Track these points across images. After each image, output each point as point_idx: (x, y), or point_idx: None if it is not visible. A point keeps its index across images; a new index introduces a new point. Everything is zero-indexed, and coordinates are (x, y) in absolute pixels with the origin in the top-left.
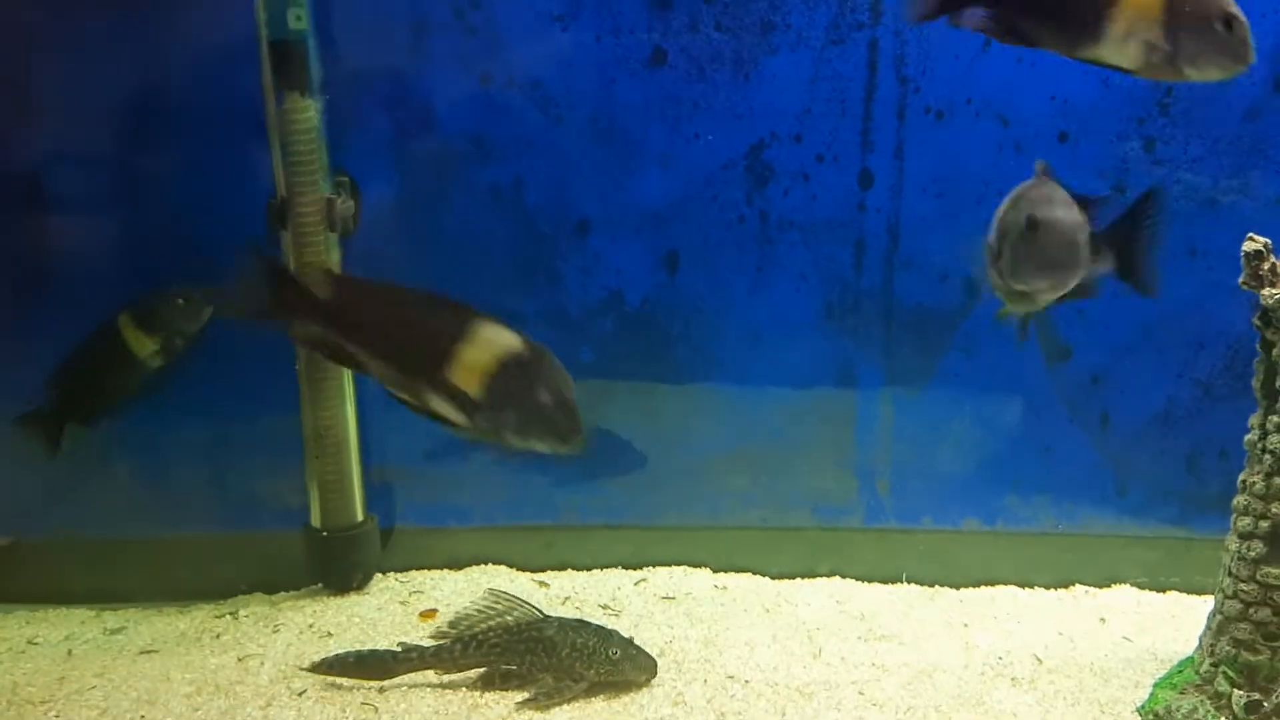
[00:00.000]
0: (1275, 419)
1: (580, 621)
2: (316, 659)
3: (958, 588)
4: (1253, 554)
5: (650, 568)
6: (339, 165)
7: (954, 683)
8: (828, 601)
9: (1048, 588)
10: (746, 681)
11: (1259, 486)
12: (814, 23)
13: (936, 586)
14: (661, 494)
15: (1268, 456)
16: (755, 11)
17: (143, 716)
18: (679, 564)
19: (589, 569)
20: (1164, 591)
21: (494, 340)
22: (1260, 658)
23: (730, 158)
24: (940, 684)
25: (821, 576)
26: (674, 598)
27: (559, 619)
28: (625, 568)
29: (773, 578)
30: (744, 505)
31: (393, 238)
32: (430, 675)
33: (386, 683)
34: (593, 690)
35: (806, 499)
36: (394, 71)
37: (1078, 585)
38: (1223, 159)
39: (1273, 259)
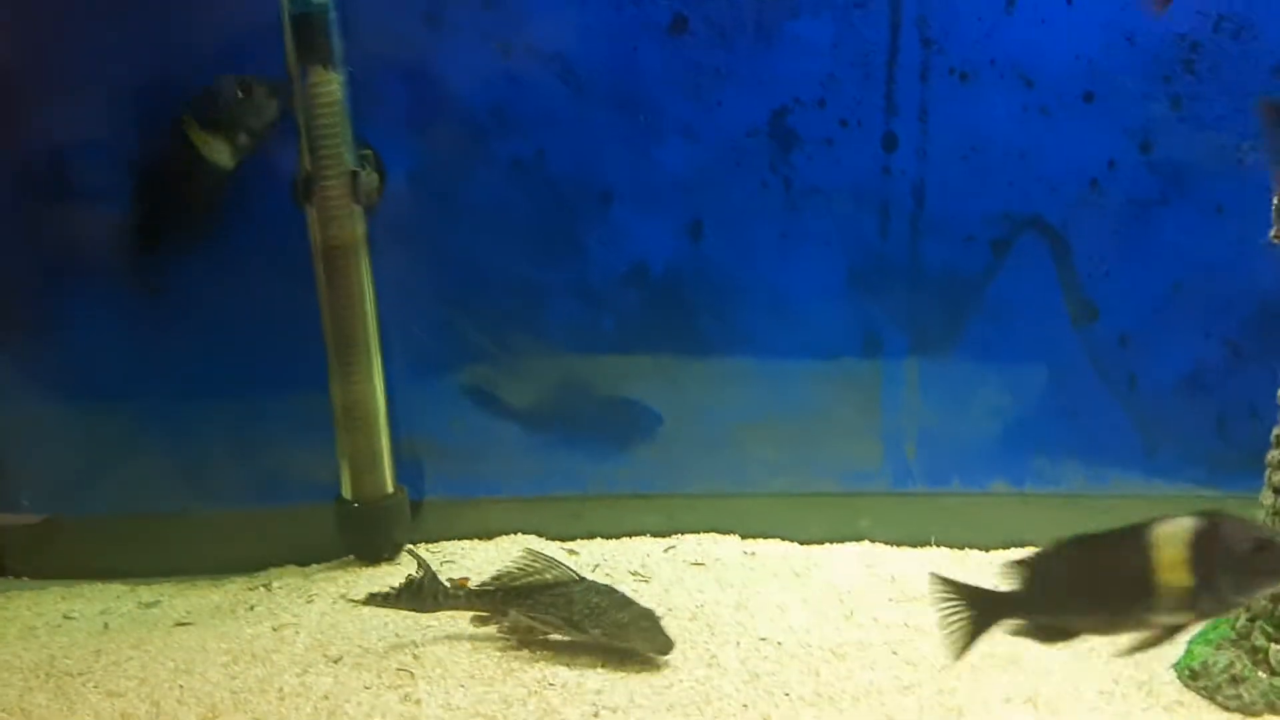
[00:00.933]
0: None
1: (609, 588)
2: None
3: (987, 550)
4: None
5: (679, 535)
6: (363, 138)
7: (987, 641)
8: (857, 565)
9: None
10: (779, 643)
11: None
12: None
13: (966, 549)
14: (688, 463)
15: None
16: None
17: (181, 685)
18: (708, 531)
19: (618, 537)
20: None
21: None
22: None
23: (754, 124)
24: (932, 644)
25: (850, 541)
26: (703, 564)
27: (590, 581)
28: (654, 535)
29: (801, 543)
30: (771, 472)
31: (416, 211)
32: (464, 644)
33: (428, 625)
34: (629, 658)
35: (834, 465)
36: (415, 44)
37: None
38: (1250, 116)
39: None
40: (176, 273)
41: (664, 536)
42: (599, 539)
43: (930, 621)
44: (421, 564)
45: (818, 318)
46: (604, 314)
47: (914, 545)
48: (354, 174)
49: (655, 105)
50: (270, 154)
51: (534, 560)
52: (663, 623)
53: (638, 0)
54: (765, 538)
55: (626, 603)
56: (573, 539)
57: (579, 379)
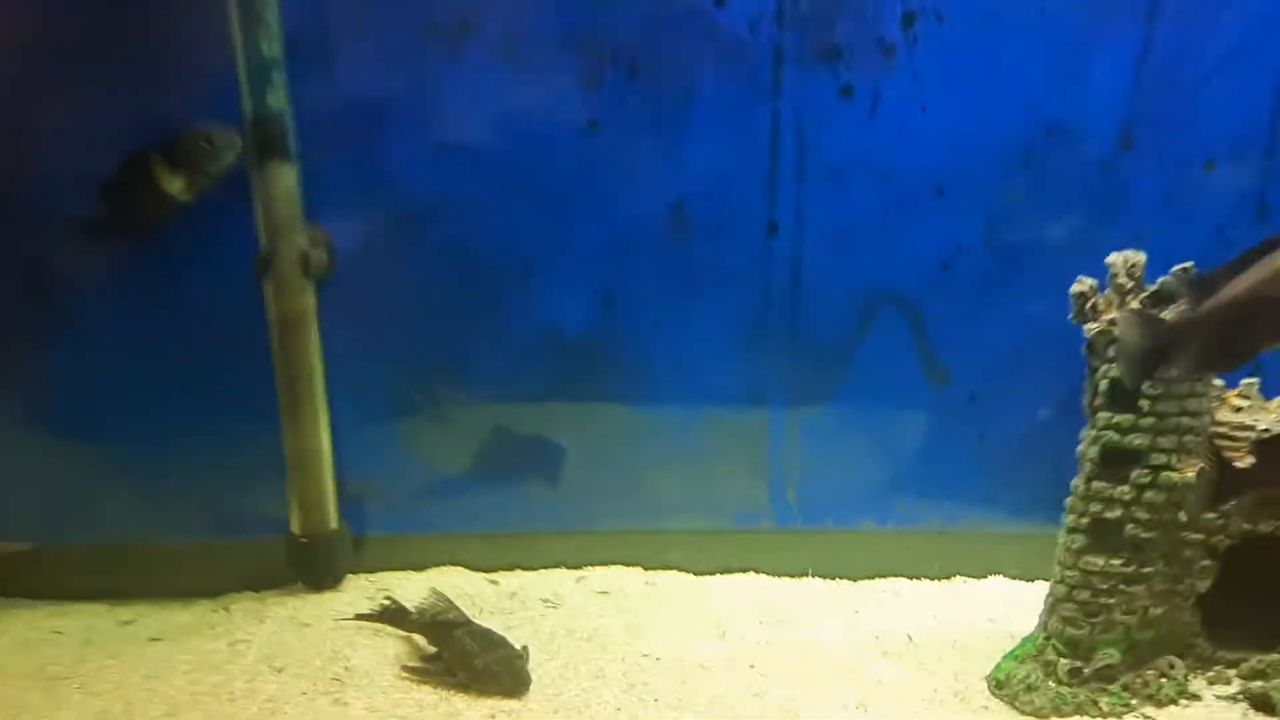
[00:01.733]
0: (1092, 432)
1: (486, 631)
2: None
3: (855, 580)
4: (1076, 545)
5: (590, 567)
6: (315, 221)
7: (835, 657)
8: (741, 593)
9: (932, 579)
10: (658, 659)
11: (1081, 489)
12: (725, 96)
13: (837, 579)
14: (600, 503)
15: (1087, 464)
16: (675, 87)
17: (149, 689)
18: (615, 564)
19: (535, 569)
20: (1032, 581)
21: None
22: (1081, 632)
23: (657, 212)
24: (823, 658)
25: (738, 573)
26: (608, 592)
27: (474, 627)
28: (567, 567)
29: (696, 574)
30: (672, 512)
31: (363, 283)
32: (389, 660)
33: (361, 644)
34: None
35: (726, 506)
36: (363, 140)
37: (958, 577)
38: (1076, 210)
39: (1095, 298)
40: (159, 332)
41: (576, 568)
42: (519, 570)
43: (791, 640)
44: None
45: (712, 377)
46: (525, 372)
47: (793, 576)
48: (305, 254)
49: (572, 194)
50: (237, 237)
51: (438, 600)
52: (532, 660)
53: (557, 106)
54: (665, 569)
55: (495, 647)
56: (496, 569)
57: (503, 428)
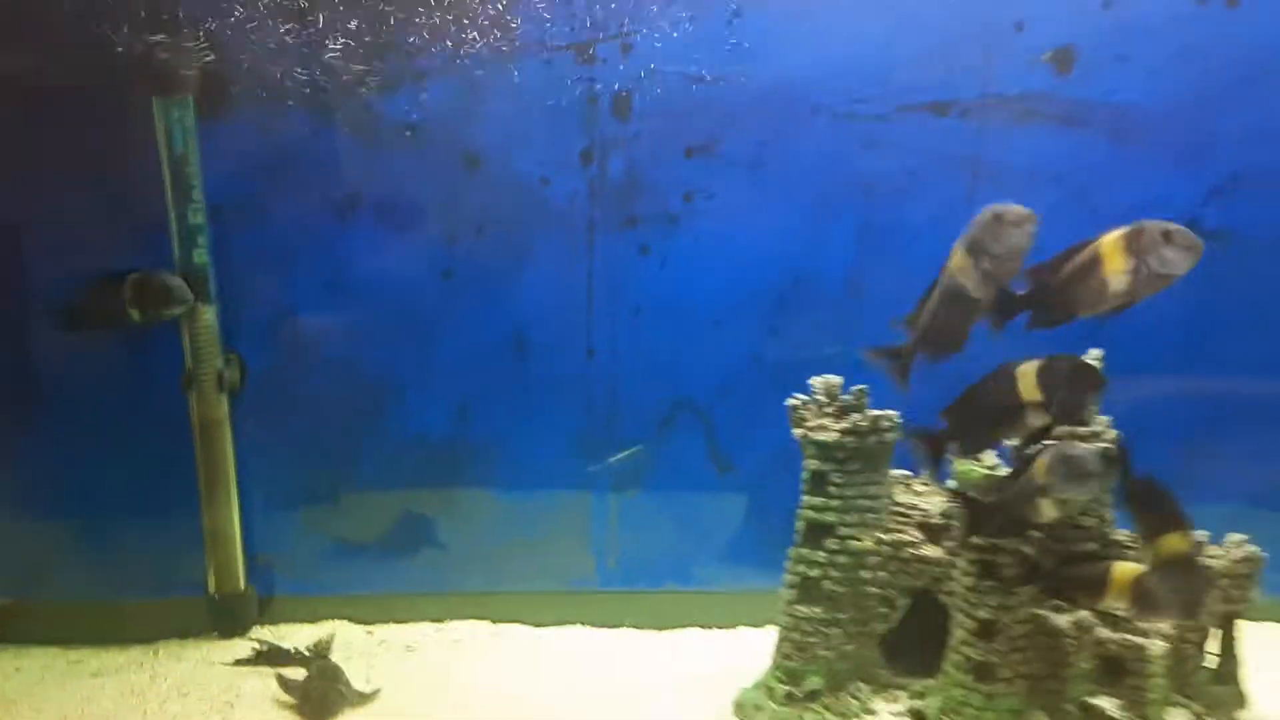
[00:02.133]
0: (800, 511)
1: (333, 669)
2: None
3: (660, 630)
4: (789, 598)
5: (449, 621)
6: (231, 346)
7: (629, 688)
8: (568, 642)
9: (721, 629)
10: (486, 689)
11: (793, 554)
12: (552, 252)
13: (647, 630)
14: (459, 570)
15: (797, 535)
16: (514, 244)
17: (83, 710)
18: (471, 618)
19: (405, 622)
20: None
21: None
22: (794, 664)
23: (502, 339)
24: (620, 689)
25: (570, 625)
26: (461, 640)
27: (324, 664)
28: (431, 621)
29: (536, 626)
30: (517, 577)
31: (270, 395)
32: (271, 687)
33: (247, 675)
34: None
35: (560, 571)
36: (269, 283)
37: (741, 626)
38: (817, 339)
39: (803, 410)
40: (110, 429)
41: (438, 621)
42: (391, 623)
43: (596, 676)
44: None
45: (547, 469)
46: (400, 466)
47: (612, 627)
48: (221, 373)
49: (435, 326)
50: (169, 358)
51: (317, 645)
52: (383, 688)
53: (422, 258)
54: (510, 623)
55: (330, 680)
56: (372, 623)
57: (382, 510)
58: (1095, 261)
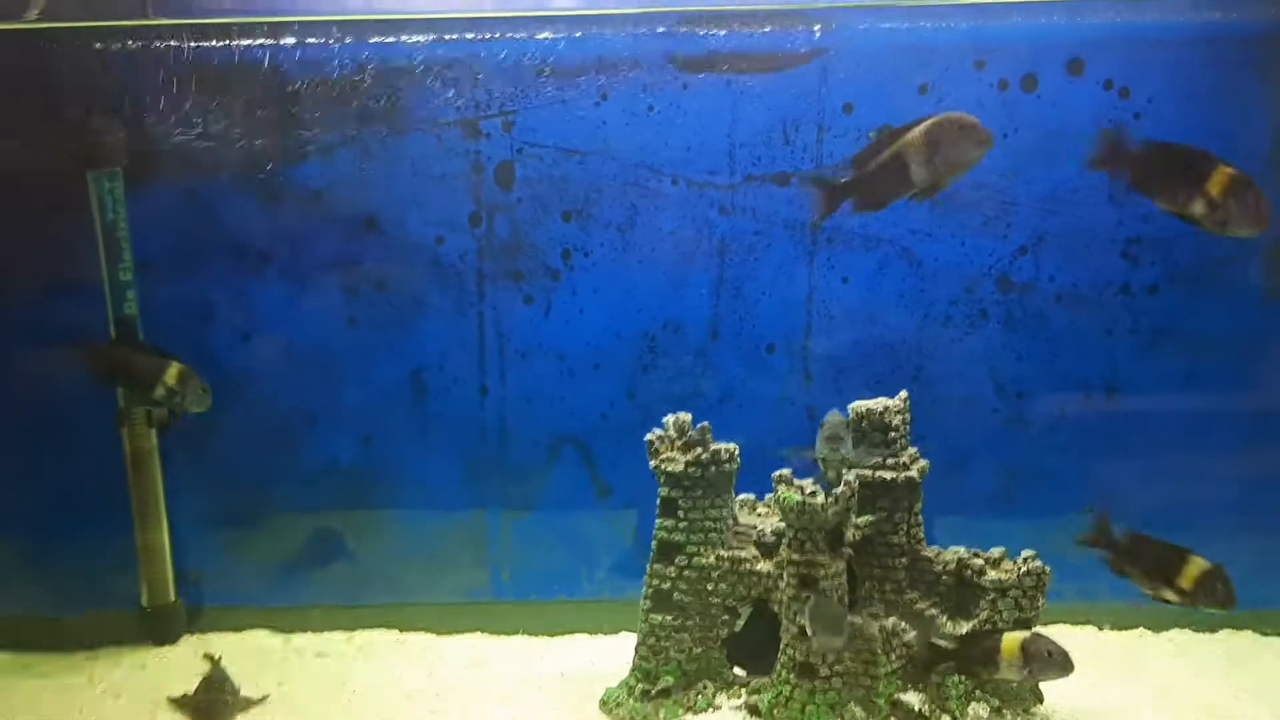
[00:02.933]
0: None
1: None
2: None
3: (552, 636)
4: (646, 607)
5: (359, 630)
6: None
7: (509, 689)
8: (461, 647)
9: (605, 634)
10: (383, 690)
11: (650, 569)
12: (446, 302)
13: (540, 636)
14: (368, 584)
15: (652, 552)
16: (411, 295)
17: (27, 706)
18: (379, 628)
19: (319, 631)
20: None
21: None
22: (650, 665)
23: (401, 377)
24: (499, 690)
25: (468, 633)
26: (367, 647)
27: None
28: (343, 630)
29: (437, 634)
30: (421, 590)
31: (195, 430)
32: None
33: (172, 691)
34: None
35: (458, 584)
36: (193, 330)
37: (623, 632)
38: (683, 379)
39: (658, 443)
40: (47, 462)
41: (349, 630)
42: (307, 632)
43: (484, 678)
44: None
45: (446, 494)
46: (313, 490)
47: (507, 634)
48: (149, 411)
49: (342, 366)
50: (105, 400)
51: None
52: (293, 690)
53: (328, 308)
54: (414, 631)
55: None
56: (291, 632)
57: (298, 530)
58: (901, 152)
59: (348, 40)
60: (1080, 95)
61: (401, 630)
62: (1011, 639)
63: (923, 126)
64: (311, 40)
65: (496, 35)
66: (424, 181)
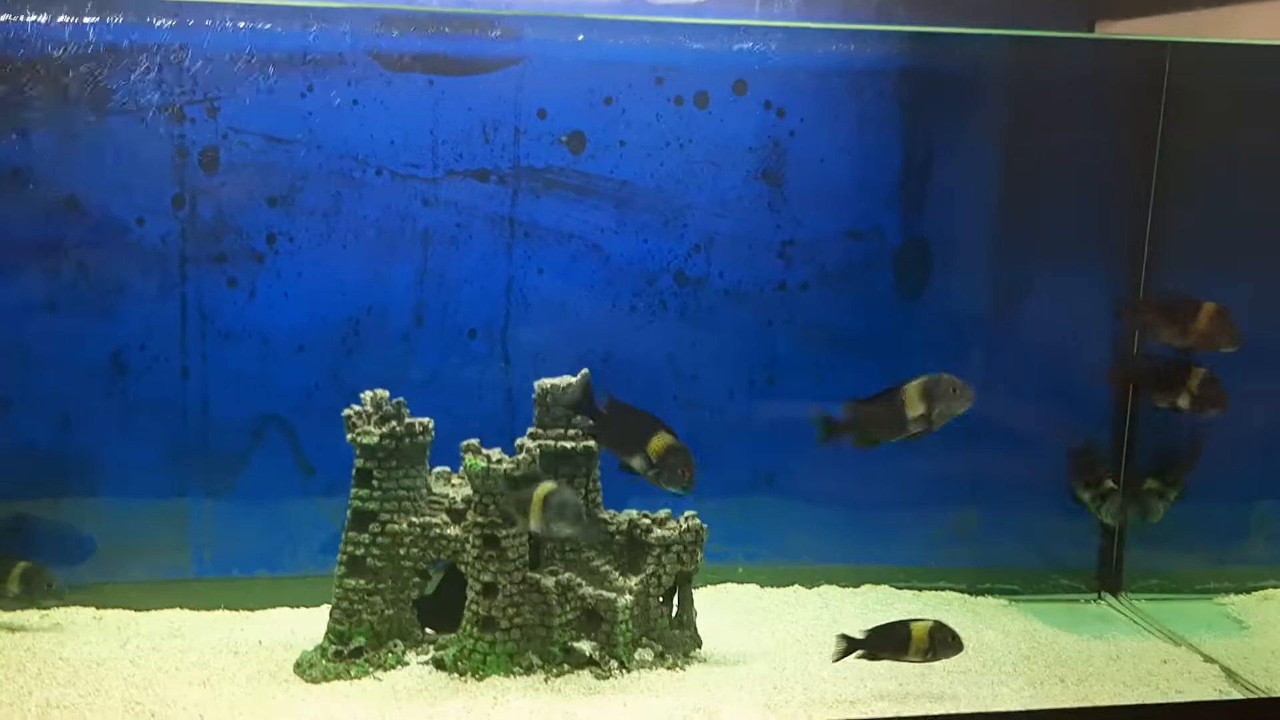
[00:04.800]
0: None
1: None
2: None
3: (253, 611)
4: (340, 573)
5: (57, 608)
6: None
7: (205, 657)
8: (163, 621)
9: (306, 607)
10: (72, 660)
11: (344, 536)
12: (149, 285)
13: (241, 611)
14: (70, 564)
15: (346, 520)
16: (113, 277)
17: None
18: (77, 605)
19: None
20: None
21: None
22: (343, 627)
23: (102, 360)
24: (194, 658)
25: (168, 609)
26: (63, 624)
27: None
28: (38, 610)
29: (136, 611)
30: (121, 569)
31: None
32: None
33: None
34: None
35: (161, 563)
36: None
37: (325, 604)
38: (393, 356)
39: (358, 418)
40: None
41: (45, 610)
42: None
43: (177, 649)
44: None
45: (148, 473)
46: (12, 474)
47: (208, 610)
48: None
49: (39, 350)
50: None
51: None
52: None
53: (24, 289)
54: (112, 609)
55: None
56: None
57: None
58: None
59: (51, 19)
60: (744, 113)
61: (100, 608)
62: (920, 627)
63: (917, 384)
64: (10, 17)
65: (204, 22)
66: (127, 164)
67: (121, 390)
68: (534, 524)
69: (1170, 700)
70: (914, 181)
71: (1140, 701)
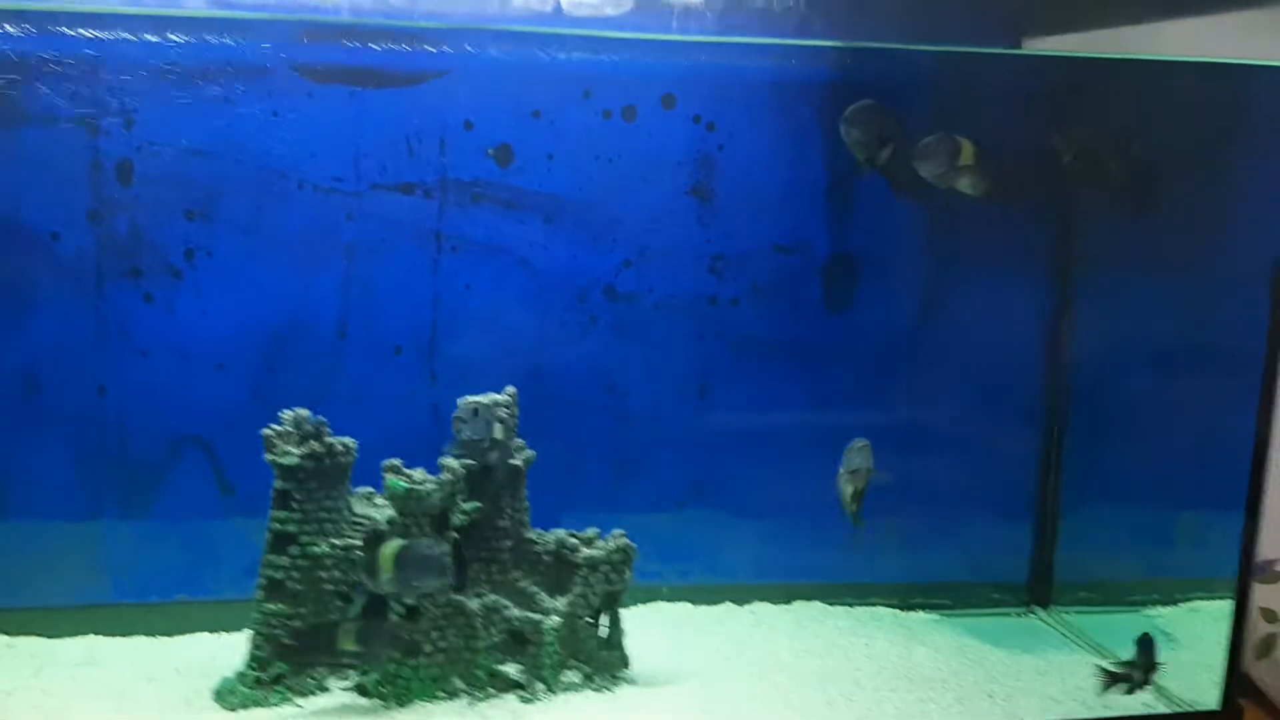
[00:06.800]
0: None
1: None
2: None
3: (171, 636)
4: (260, 598)
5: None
6: None
7: (121, 685)
8: (77, 648)
9: (229, 632)
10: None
11: (264, 560)
12: (63, 300)
13: (159, 637)
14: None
15: (266, 544)
16: (24, 292)
17: None
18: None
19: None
20: None
21: None
22: (263, 653)
23: (13, 376)
24: (110, 686)
25: (82, 636)
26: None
27: None
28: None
29: (48, 638)
30: (33, 594)
31: None
32: None
33: None
34: None
35: (75, 587)
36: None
37: (247, 628)
38: (317, 371)
39: (278, 438)
40: None
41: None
42: None
43: (91, 677)
44: None
45: (60, 494)
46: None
47: (124, 635)
48: None
49: None
50: None
51: None
52: None
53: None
54: (24, 636)
55: None
56: None
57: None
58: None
59: None
60: (673, 126)
61: (10, 635)
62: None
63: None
64: None
65: (120, 33)
66: (39, 176)
67: (34, 408)
68: (386, 585)
69: (1097, 715)
70: (840, 195)
71: (1067, 716)
